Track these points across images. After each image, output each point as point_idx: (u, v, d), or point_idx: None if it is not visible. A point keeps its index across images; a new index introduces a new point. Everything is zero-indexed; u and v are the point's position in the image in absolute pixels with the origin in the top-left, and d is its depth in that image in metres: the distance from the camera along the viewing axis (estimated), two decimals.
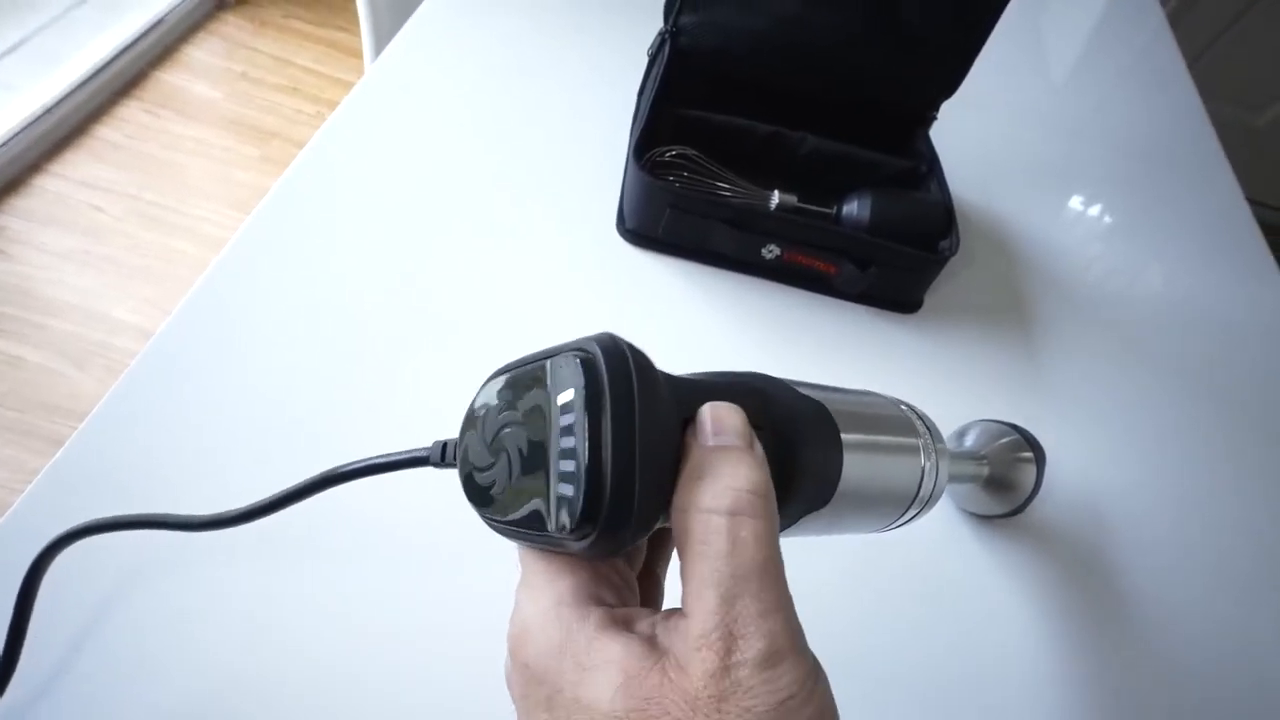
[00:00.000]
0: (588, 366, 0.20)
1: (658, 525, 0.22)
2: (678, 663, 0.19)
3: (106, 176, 1.56)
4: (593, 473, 0.19)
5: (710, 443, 0.22)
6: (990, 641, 0.48)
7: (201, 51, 1.88)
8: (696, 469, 0.21)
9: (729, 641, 0.19)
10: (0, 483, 1.13)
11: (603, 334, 0.21)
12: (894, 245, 0.60)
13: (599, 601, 0.22)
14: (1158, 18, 1.12)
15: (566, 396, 0.20)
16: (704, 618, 0.19)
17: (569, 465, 0.19)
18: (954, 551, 0.52)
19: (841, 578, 0.49)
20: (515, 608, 0.22)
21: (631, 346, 0.21)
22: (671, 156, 0.62)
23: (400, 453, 0.26)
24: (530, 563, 0.23)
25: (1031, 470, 0.50)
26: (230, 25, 1.96)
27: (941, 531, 0.53)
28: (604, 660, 0.20)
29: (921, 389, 0.60)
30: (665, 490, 0.21)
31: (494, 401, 0.23)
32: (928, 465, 0.30)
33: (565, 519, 0.19)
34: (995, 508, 0.51)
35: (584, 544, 0.20)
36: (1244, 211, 0.85)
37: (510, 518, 0.21)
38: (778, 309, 0.62)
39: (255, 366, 0.50)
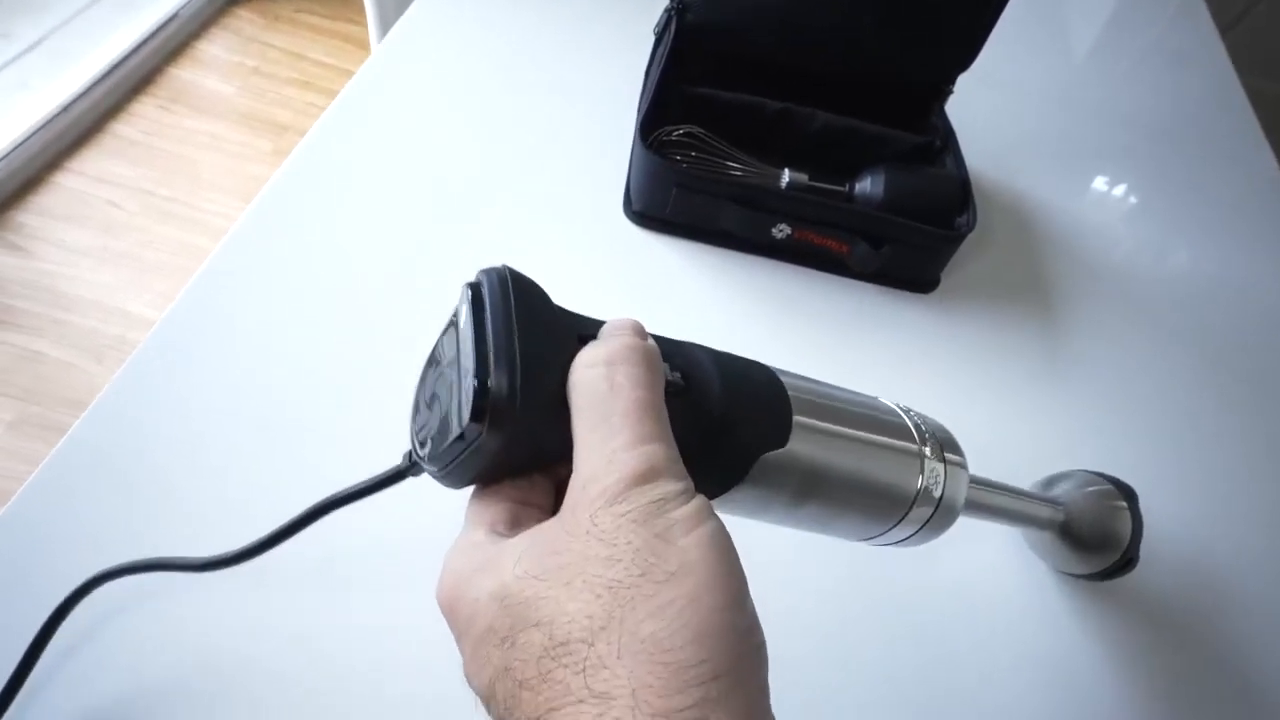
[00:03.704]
0: (474, 289, 0.23)
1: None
2: (569, 509, 0.20)
3: (122, 173, 1.57)
4: (480, 359, 0.21)
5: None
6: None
7: (214, 46, 1.89)
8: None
9: (609, 471, 0.20)
10: (20, 475, 1.14)
11: (493, 266, 0.23)
12: (908, 222, 0.58)
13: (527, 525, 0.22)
14: None
15: (463, 319, 0.22)
16: (588, 461, 0.20)
17: (467, 365, 0.21)
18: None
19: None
20: (443, 565, 0.22)
21: (514, 270, 0.24)
22: (679, 135, 0.61)
23: (385, 472, 0.26)
24: (466, 518, 0.23)
25: (1126, 519, 0.44)
26: (242, 20, 1.96)
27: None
28: (514, 544, 0.21)
29: (938, 370, 0.59)
30: (558, 383, 0.22)
31: (428, 369, 0.25)
32: (929, 473, 0.29)
33: (465, 412, 0.20)
34: (1085, 566, 0.45)
35: (486, 432, 0.20)
36: None
37: (440, 450, 0.22)
38: (789, 290, 0.60)
39: (256, 354, 0.50)
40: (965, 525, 0.40)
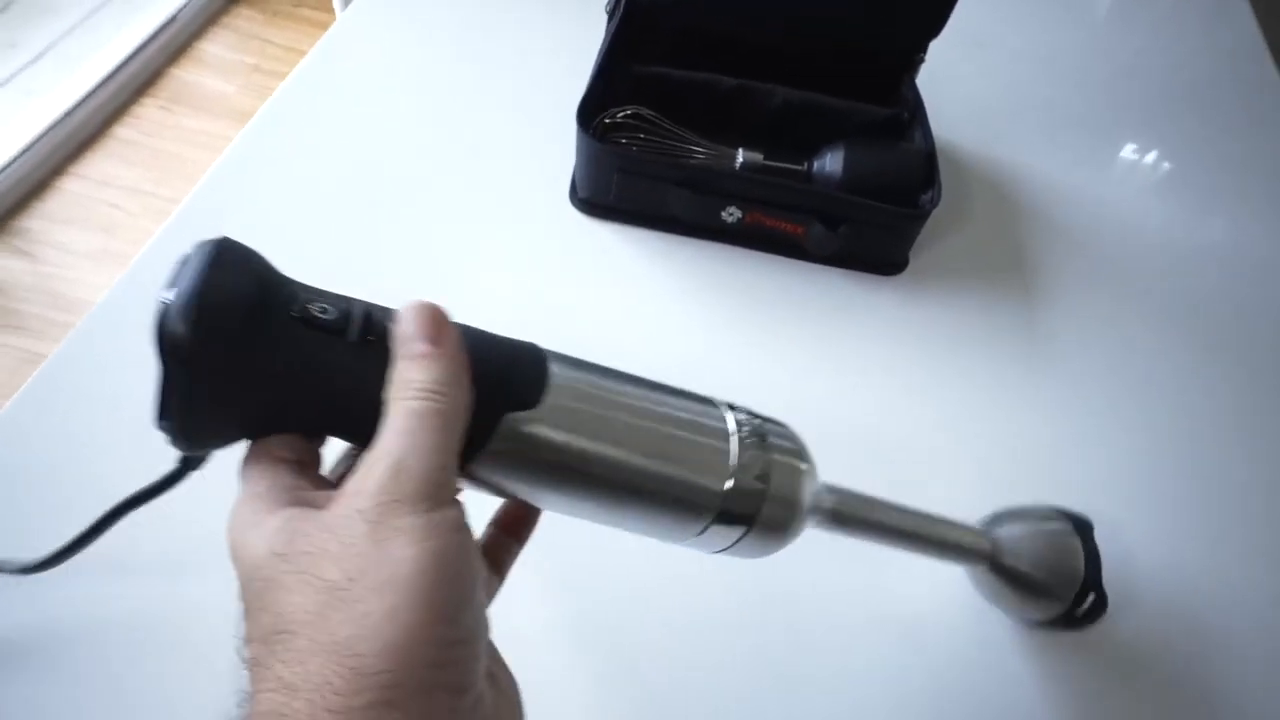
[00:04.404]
0: (182, 260, 0.22)
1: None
2: (334, 501, 0.20)
3: (123, 174, 1.59)
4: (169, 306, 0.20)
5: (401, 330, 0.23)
6: None
7: (214, 46, 1.90)
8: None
9: (366, 474, 0.20)
10: None
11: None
12: (865, 201, 0.55)
13: (297, 499, 0.22)
14: None
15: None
16: (363, 462, 0.21)
17: None
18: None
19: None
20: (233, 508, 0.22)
21: (231, 239, 0.23)
22: (624, 117, 0.58)
23: (161, 477, 0.25)
24: (241, 488, 0.23)
25: (1078, 554, 0.39)
26: (242, 18, 1.96)
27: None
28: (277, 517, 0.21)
29: (906, 356, 0.56)
30: (259, 329, 0.21)
31: None
32: (743, 468, 0.26)
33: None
34: (1037, 610, 0.40)
35: (169, 355, 0.20)
36: None
37: (157, 406, 0.21)
38: (742, 275, 0.57)
39: None
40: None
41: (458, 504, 0.21)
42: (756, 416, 0.28)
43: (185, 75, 1.81)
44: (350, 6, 0.72)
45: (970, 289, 0.60)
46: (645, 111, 0.59)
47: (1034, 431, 0.53)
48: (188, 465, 0.25)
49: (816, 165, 0.59)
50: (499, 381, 0.24)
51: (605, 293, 0.55)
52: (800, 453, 0.29)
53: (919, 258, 0.61)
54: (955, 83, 0.75)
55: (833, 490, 0.32)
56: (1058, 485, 0.50)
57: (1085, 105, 0.78)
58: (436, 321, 0.23)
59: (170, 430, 0.22)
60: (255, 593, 0.20)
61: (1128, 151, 0.75)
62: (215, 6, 1.97)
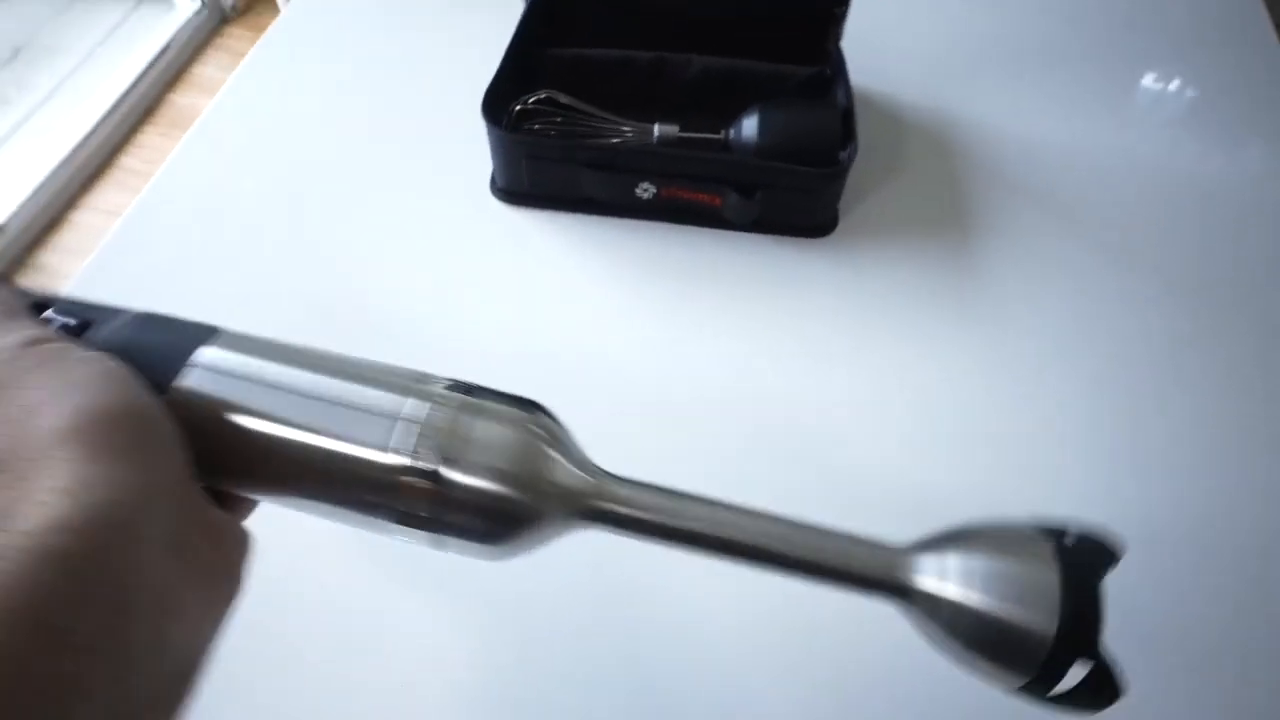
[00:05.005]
0: None
1: None
2: None
3: (129, 202, 1.65)
4: None
5: None
6: None
7: (210, 68, 1.94)
8: None
9: None
10: None
11: None
12: (776, 164, 0.54)
13: None
14: None
15: None
16: None
17: None
18: None
19: None
20: None
21: None
22: (535, 103, 0.58)
23: None
24: None
25: (1052, 583, 0.25)
26: (233, 38, 2.01)
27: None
28: None
29: (837, 322, 0.55)
30: None
31: None
32: (420, 435, 0.23)
33: None
34: (995, 675, 0.25)
35: None
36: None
37: None
38: (665, 250, 0.57)
39: None
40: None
41: None
42: (479, 393, 0.25)
43: (183, 100, 1.86)
44: (276, 23, 0.74)
45: (905, 244, 0.59)
46: (556, 95, 0.58)
47: (972, 392, 0.52)
48: None
49: (733, 133, 0.58)
50: (148, 351, 0.23)
51: (522, 278, 0.56)
52: (526, 435, 0.25)
53: (850, 216, 0.60)
54: (896, 29, 0.74)
55: (625, 483, 0.26)
56: (1003, 451, 0.49)
57: (1030, 42, 0.75)
58: None
59: None
60: None
61: (1068, 87, 0.71)
62: (208, 29, 2.02)
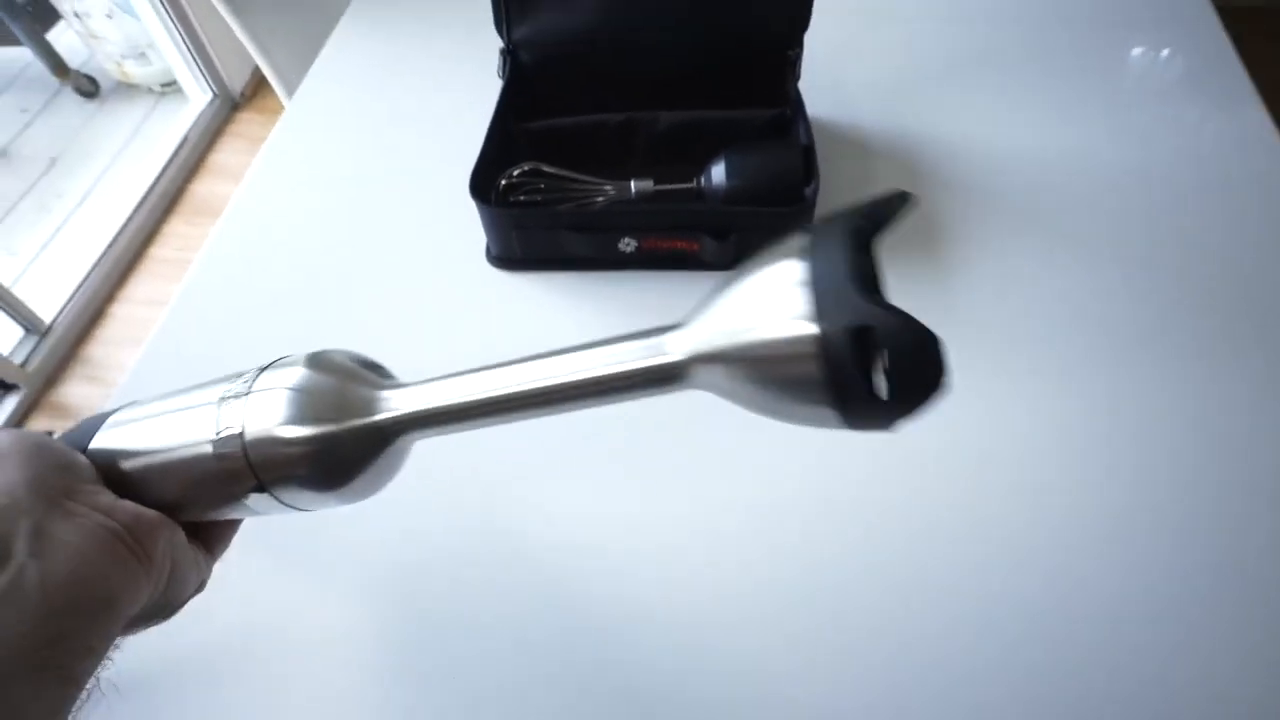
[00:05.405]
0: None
1: None
2: None
3: (165, 291, 1.74)
4: None
5: None
6: None
7: (224, 154, 2.05)
8: None
9: None
10: None
11: None
12: (744, 209, 0.58)
13: None
14: None
15: None
16: None
17: None
18: None
19: None
20: None
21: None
22: (519, 176, 0.63)
23: None
24: None
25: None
26: (243, 123, 2.12)
27: None
28: None
29: None
30: None
31: None
32: (234, 412, 0.28)
33: None
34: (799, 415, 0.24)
35: None
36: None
37: None
38: (647, 296, 0.61)
39: None
40: None
41: None
42: (275, 364, 0.30)
43: (201, 188, 1.97)
44: (281, 119, 0.80)
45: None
46: (538, 165, 0.63)
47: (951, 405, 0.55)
48: None
49: (704, 180, 0.62)
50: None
51: (516, 334, 0.60)
52: (312, 378, 0.28)
53: None
54: (851, 60, 0.78)
55: (415, 386, 0.29)
56: (984, 461, 0.52)
57: (978, 54, 0.78)
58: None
59: None
60: None
61: (1022, 93, 0.74)
62: (221, 118, 2.13)
